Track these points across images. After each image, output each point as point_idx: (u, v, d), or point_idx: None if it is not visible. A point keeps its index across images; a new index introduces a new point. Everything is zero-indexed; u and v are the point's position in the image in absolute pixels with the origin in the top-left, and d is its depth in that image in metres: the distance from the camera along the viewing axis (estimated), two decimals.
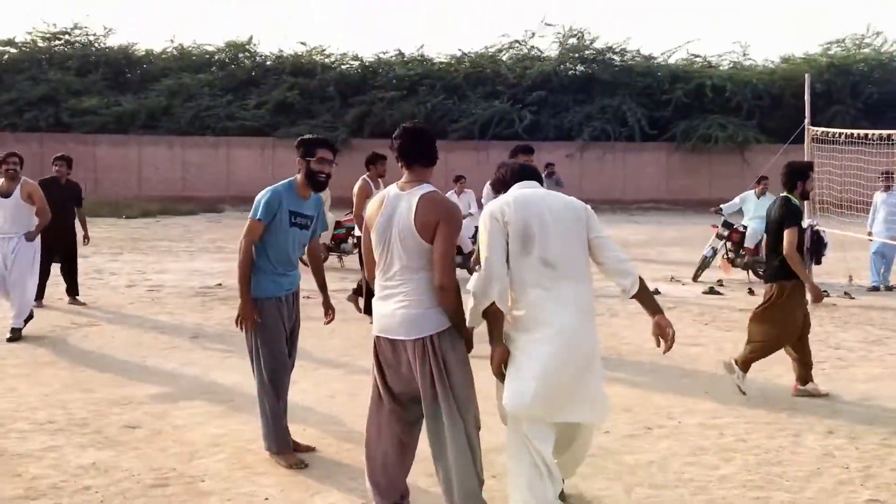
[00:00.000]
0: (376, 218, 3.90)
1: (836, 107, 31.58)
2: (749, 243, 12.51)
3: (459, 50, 34.72)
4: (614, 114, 31.36)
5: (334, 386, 6.64)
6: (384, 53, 34.85)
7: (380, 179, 9.68)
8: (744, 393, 6.31)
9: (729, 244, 12.67)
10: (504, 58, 34.18)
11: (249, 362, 4.99)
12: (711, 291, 11.48)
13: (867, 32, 33.52)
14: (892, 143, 11.94)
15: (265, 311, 4.87)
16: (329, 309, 5.38)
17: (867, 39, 33.26)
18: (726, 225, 12.68)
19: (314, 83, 33.18)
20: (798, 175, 6.65)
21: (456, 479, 3.70)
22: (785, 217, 6.43)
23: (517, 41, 33.89)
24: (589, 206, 4.08)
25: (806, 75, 11.77)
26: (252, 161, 31.85)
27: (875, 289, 11.87)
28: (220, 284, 11.82)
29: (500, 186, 4.28)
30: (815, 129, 11.21)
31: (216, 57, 34.76)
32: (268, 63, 34.71)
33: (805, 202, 10.53)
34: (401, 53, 34.68)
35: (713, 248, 12.68)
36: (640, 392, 6.48)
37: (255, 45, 34.95)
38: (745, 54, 34.60)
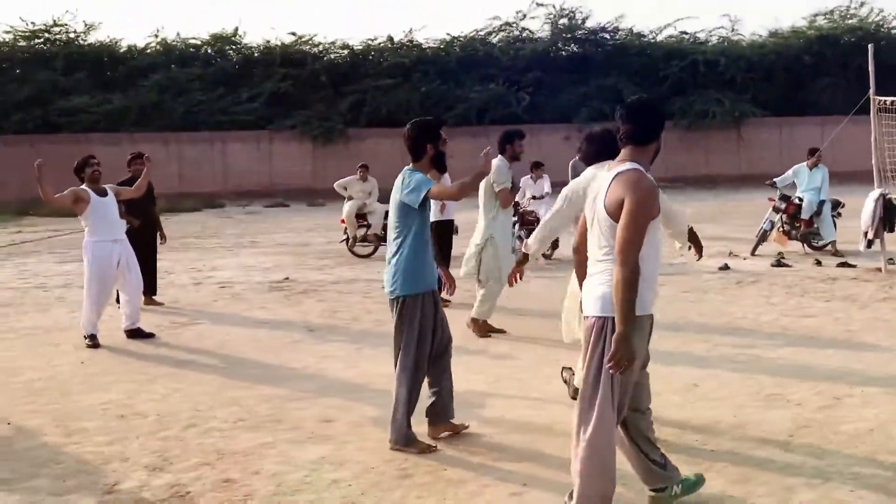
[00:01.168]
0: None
1: (826, 79, 32.07)
2: (805, 215, 12.65)
3: (448, 34, 34.65)
4: (611, 93, 31.46)
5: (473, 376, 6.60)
6: (373, 40, 34.60)
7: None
8: None
9: (784, 217, 12.80)
10: (494, 40, 34.15)
11: (394, 354, 4.88)
12: (780, 264, 11.60)
13: (851, 3, 34.04)
14: None
15: (426, 303, 4.85)
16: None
17: (852, 10, 33.77)
18: (783, 198, 12.81)
19: (305, 73, 32.87)
20: None
21: None
22: None
23: (508, 23, 33.86)
24: None
25: (869, 46, 11.79)
26: (248, 154, 31.48)
27: None
28: (287, 278, 11.69)
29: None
30: (881, 98, 11.33)
31: (203, 50, 34.22)
32: (255, 55, 34.26)
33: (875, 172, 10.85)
34: (391, 39, 34.45)
35: (771, 221, 12.81)
36: (798, 364, 6.54)
37: (241, 36, 34.50)
38: (733, 29, 34.99)
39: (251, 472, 4.53)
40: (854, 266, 11.17)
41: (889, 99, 11.25)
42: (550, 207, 5.88)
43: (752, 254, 12.66)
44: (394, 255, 4.88)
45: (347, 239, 13.92)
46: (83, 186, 7.98)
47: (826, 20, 33.85)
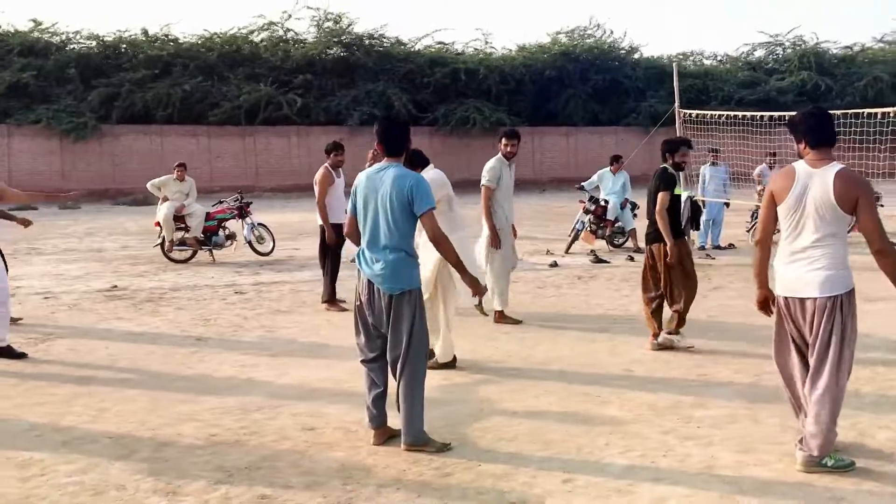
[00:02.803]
0: (788, 192, 4.31)
1: (569, 90, 35.00)
2: (610, 216, 13.91)
3: (206, 30, 33.34)
4: (380, 98, 32.04)
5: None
6: (125, 32, 32.38)
7: (340, 169, 9.58)
8: (691, 347, 7.04)
9: (591, 217, 13.96)
10: (257, 39, 33.39)
11: (390, 351, 4.78)
12: (599, 260, 12.67)
13: (590, 24, 37.43)
14: (746, 123, 13.86)
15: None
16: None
17: (589, 31, 37.11)
18: (593, 200, 13.97)
19: (49, 64, 30.02)
20: (669, 147, 7.34)
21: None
22: (660, 182, 7.13)
23: (273, 22, 33.24)
24: None
25: (674, 64, 13.33)
26: None
27: (702, 248, 13.66)
28: (115, 286, 10.78)
29: None
30: (686, 111, 12.78)
31: None
32: None
33: (681, 174, 12.20)
34: (145, 32, 32.44)
35: (582, 221, 13.90)
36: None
37: None
38: (486, 42, 37.02)
39: (285, 486, 4.30)
40: (608, 262, 12.56)
41: (692, 112, 12.73)
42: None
43: (566, 252, 13.67)
44: (392, 251, 4.71)
45: (163, 243, 13.06)
46: None
47: (567, 37, 36.85)
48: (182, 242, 13.06)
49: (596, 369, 6.56)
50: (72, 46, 31.69)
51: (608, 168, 14.43)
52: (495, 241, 8.13)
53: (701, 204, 12.71)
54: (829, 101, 35.15)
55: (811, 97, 35.87)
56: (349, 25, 33.26)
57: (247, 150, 31.12)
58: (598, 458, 4.63)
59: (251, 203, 13.91)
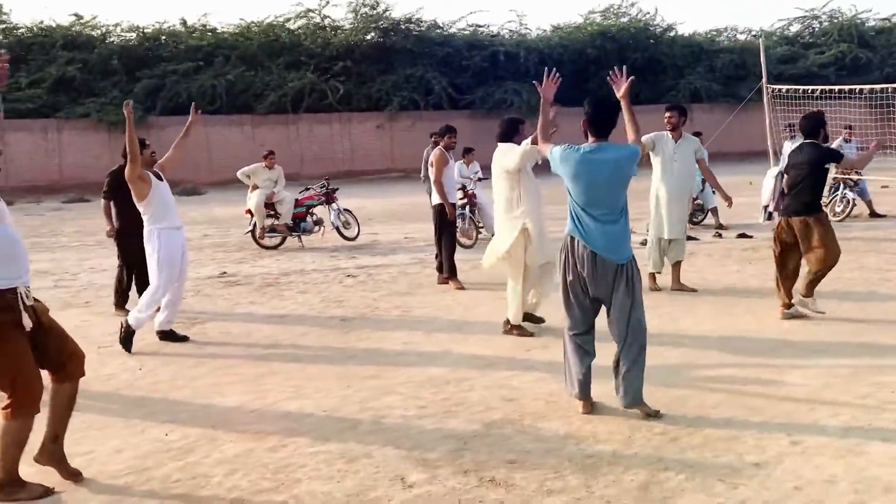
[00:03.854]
0: None
1: (608, 69, 34.75)
2: (693, 194, 14.01)
3: (242, 19, 33.52)
4: (419, 82, 32.14)
5: None
6: (163, 23, 32.64)
7: (451, 151, 9.84)
8: (823, 312, 7.25)
9: None
10: (293, 26, 33.54)
11: (628, 319, 5.04)
12: (688, 238, 12.79)
13: (623, 2, 37.28)
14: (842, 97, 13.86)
15: None
16: None
17: (624, 9, 37.01)
18: None
19: (94, 57, 30.33)
20: (819, 125, 7.45)
21: None
22: (829, 156, 7.35)
23: (310, 10, 33.39)
24: None
25: (760, 41, 13.36)
26: (33, 145, 28.50)
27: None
28: (225, 273, 11.04)
29: None
30: (772, 86, 12.87)
31: None
32: (26, 36, 30.98)
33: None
34: (184, 23, 32.70)
35: None
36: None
37: (6, 14, 31.08)
38: (521, 24, 36.99)
39: (523, 451, 4.51)
40: (752, 237, 12.61)
41: (780, 87, 12.81)
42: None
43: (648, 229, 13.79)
44: (615, 223, 4.95)
45: (254, 230, 13.30)
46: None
47: (601, 16, 36.80)
48: (272, 229, 13.29)
49: (751, 339, 6.71)
50: (112, 39, 31.98)
51: None
52: None
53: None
54: (870, 73, 35.05)
55: (851, 70, 35.70)
56: (385, 10, 33.35)
57: (290, 138, 31.31)
58: (811, 422, 4.81)
59: (337, 189, 14.12)
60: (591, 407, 5.10)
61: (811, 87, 14.48)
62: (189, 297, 9.37)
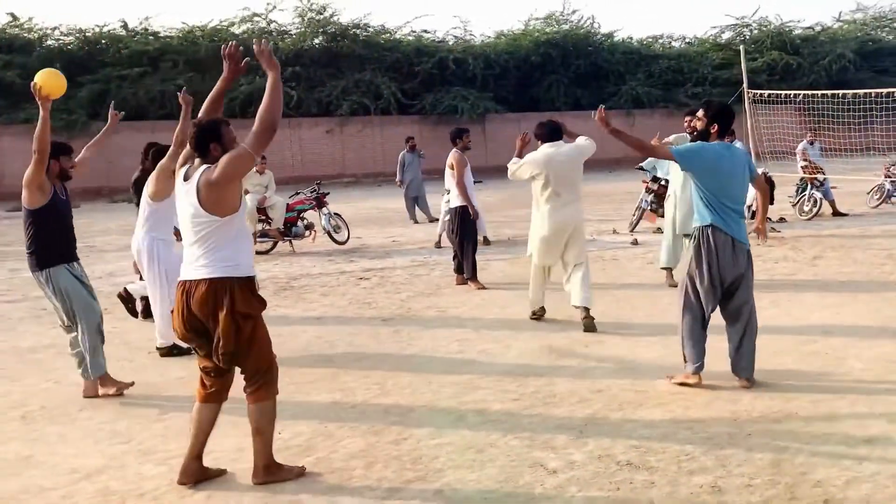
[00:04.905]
0: None
1: (552, 76, 35.64)
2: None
3: (184, 23, 32.94)
4: (368, 87, 32.19)
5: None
6: (103, 26, 31.86)
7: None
8: None
9: (651, 196, 14.55)
10: (238, 31, 33.15)
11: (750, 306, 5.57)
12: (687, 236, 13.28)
13: (564, 9, 38.09)
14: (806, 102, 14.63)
15: None
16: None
17: (565, 15, 37.79)
18: (655, 179, 14.55)
19: (33, 61, 29.32)
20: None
21: None
22: None
23: (256, 14, 33.08)
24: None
25: (741, 47, 13.95)
26: None
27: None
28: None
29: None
30: (753, 91, 13.45)
31: None
32: None
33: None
34: (125, 26, 32.00)
35: (645, 200, 14.49)
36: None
37: None
38: (465, 30, 37.40)
39: (681, 441, 4.74)
40: (779, 232, 13.18)
41: (761, 92, 13.41)
42: None
43: (632, 230, 14.25)
44: (742, 213, 5.60)
45: None
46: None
47: (543, 23, 37.47)
48: (264, 234, 13.23)
49: (793, 328, 7.10)
50: (51, 42, 31.10)
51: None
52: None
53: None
54: (799, 79, 36.62)
55: (782, 76, 37.22)
56: (333, 15, 33.27)
57: (241, 141, 30.91)
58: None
59: (328, 193, 14.13)
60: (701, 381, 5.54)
61: (793, 92, 15.22)
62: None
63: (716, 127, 5.59)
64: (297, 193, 14.23)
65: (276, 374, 4.35)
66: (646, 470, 4.28)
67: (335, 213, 13.94)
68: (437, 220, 17.33)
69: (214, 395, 4.32)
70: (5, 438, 5.15)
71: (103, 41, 31.53)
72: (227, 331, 4.09)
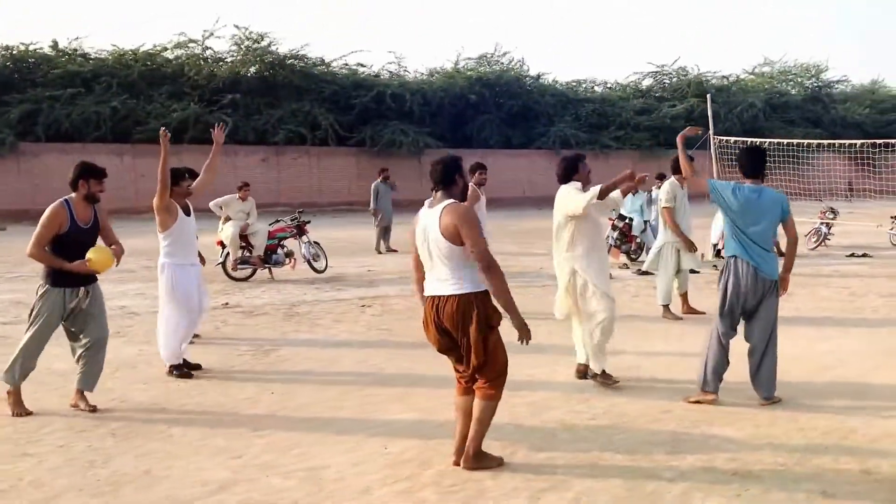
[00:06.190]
0: None
1: (485, 115, 36.53)
2: (635, 232, 15.26)
3: (114, 45, 32.36)
4: (306, 117, 32.27)
5: None
6: (30, 45, 30.99)
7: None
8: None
9: (615, 233, 15.25)
10: (171, 56, 32.80)
11: (768, 330, 6.16)
12: (646, 273, 13.96)
13: (496, 51, 39.15)
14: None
15: None
16: None
17: (497, 57, 38.86)
18: (621, 217, 15.26)
19: None
20: None
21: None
22: None
23: (192, 40, 32.78)
24: None
25: (708, 95, 14.89)
26: None
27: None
28: (227, 304, 10.97)
29: None
30: (718, 136, 14.33)
31: None
32: None
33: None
34: (55, 45, 31.23)
35: (611, 236, 15.16)
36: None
37: None
38: (399, 65, 37.96)
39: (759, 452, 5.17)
40: (698, 272, 13.92)
41: (727, 138, 14.31)
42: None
43: None
44: (770, 251, 6.06)
45: (225, 261, 13.18)
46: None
47: (476, 62, 38.42)
48: (245, 261, 13.22)
49: (807, 356, 7.72)
50: None
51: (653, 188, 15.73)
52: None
53: None
54: (716, 125, 38.51)
55: (698, 122, 39.17)
56: (270, 45, 33.27)
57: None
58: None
59: (309, 222, 14.24)
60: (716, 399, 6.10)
61: (759, 140, 16.29)
62: (211, 327, 9.35)
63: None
64: (278, 221, 14.30)
65: (505, 379, 4.86)
66: (755, 479, 4.70)
67: (314, 242, 14.06)
68: (396, 251, 17.73)
69: (469, 388, 4.89)
70: (112, 454, 5.17)
71: (31, 59, 30.68)
72: (476, 342, 4.64)
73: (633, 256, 15.48)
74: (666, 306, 9.85)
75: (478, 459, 4.78)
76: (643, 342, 8.39)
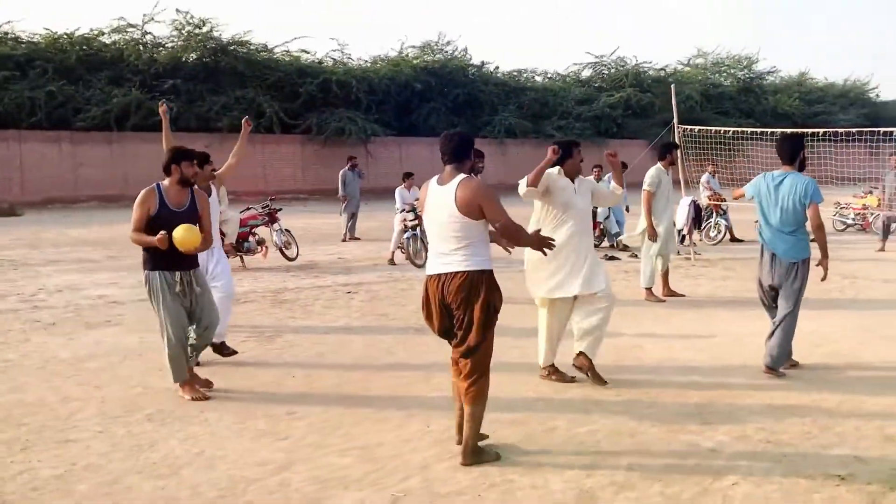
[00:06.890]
0: None
1: (431, 104, 36.60)
2: (599, 219, 15.60)
3: (47, 29, 31.34)
4: (250, 105, 31.79)
5: None
6: None
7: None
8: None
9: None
10: (109, 40, 31.93)
11: (791, 307, 6.41)
12: (609, 258, 14.31)
13: (439, 40, 39.21)
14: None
15: None
16: None
17: (439, 45, 38.92)
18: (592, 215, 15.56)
19: None
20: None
21: None
22: None
23: (131, 24, 31.95)
24: None
25: (672, 86, 15.27)
26: None
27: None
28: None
29: None
30: (683, 126, 14.69)
31: None
32: None
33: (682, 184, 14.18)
34: None
35: None
36: None
37: None
38: (343, 52, 37.66)
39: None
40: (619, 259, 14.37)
41: (692, 127, 14.70)
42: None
43: None
44: (794, 234, 6.40)
45: None
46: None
47: (420, 51, 38.41)
48: None
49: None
50: None
51: (590, 176, 16.09)
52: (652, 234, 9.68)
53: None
54: (653, 115, 39.58)
55: (636, 112, 40.11)
56: (211, 30, 32.66)
57: (114, 157, 29.77)
58: None
59: (280, 209, 14.14)
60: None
61: (723, 129, 16.77)
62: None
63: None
64: (249, 208, 14.17)
65: (488, 379, 4.81)
66: (787, 445, 4.98)
67: (286, 229, 13.99)
68: (359, 238, 17.76)
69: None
70: (155, 438, 5.16)
71: None
72: (478, 320, 4.58)
73: (595, 243, 15.80)
74: (649, 289, 10.17)
75: (475, 455, 4.72)
76: (636, 325, 8.66)
